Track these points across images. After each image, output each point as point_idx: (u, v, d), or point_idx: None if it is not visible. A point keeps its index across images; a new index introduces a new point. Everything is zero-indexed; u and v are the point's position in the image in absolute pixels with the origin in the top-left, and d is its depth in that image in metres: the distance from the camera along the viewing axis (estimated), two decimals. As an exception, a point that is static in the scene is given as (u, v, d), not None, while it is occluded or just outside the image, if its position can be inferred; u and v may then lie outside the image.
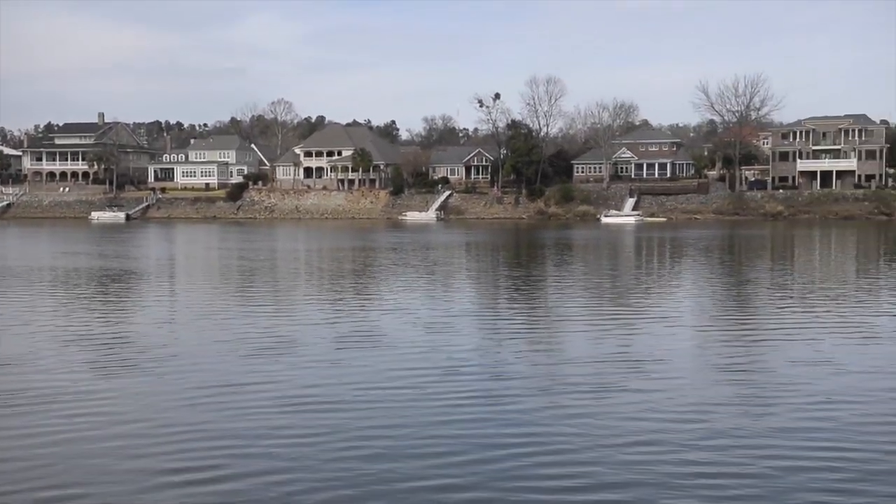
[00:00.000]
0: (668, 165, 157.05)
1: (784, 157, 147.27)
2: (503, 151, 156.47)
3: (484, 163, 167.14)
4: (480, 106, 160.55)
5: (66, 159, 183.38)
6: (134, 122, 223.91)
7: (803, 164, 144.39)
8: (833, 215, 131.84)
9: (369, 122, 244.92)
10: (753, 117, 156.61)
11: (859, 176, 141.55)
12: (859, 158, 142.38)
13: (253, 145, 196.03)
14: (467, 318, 37.63)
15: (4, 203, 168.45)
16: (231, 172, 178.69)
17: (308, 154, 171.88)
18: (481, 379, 25.54)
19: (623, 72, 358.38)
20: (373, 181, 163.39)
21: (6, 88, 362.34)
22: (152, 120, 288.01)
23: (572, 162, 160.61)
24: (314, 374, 26.12)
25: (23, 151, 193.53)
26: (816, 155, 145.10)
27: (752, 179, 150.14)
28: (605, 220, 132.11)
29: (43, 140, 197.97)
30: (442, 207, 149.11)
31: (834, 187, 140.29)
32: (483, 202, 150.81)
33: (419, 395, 23.67)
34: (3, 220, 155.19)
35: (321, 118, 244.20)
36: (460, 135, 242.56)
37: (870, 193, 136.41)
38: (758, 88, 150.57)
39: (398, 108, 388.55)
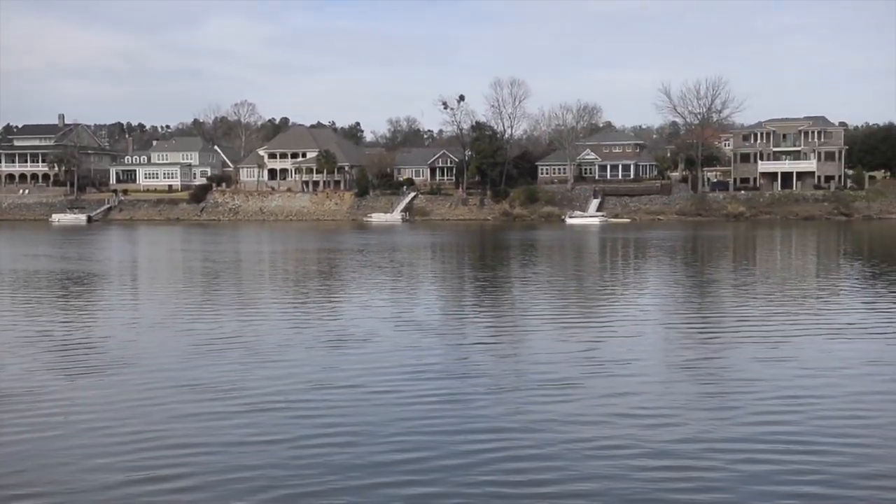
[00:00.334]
0: (632, 167, 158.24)
1: (745, 158, 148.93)
2: (468, 153, 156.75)
3: (449, 164, 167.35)
4: (445, 108, 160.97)
5: (26, 161, 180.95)
6: (95, 124, 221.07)
7: (764, 166, 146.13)
8: (794, 216, 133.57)
9: (334, 123, 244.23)
10: (715, 119, 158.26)
11: (819, 177, 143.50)
12: (819, 160, 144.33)
13: (216, 147, 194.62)
14: (433, 320, 37.65)
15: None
16: (194, 174, 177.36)
17: (272, 156, 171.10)
18: (446, 379, 25.57)
19: (586, 74, 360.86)
20: (337, 183, 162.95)
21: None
22: (114, 122, 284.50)
23: (537, 163, 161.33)
24: (278, 375, 26.00)
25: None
26: (777, 156, 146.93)
27: (715, 181, 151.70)
28: (569, 221, 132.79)
29: (1, 142, 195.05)
30: (407, 209, 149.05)
31: (794, 188, 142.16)
32: (448, 203, 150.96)
33: (383, 395, 23.66)
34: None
35: (285, 120, 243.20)
36: (425, 136, 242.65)
37: (829, 194, 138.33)
38: (719, 91, 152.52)
39: (363, 109, 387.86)
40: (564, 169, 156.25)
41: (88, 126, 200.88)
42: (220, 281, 55.07)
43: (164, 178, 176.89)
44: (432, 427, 20.56)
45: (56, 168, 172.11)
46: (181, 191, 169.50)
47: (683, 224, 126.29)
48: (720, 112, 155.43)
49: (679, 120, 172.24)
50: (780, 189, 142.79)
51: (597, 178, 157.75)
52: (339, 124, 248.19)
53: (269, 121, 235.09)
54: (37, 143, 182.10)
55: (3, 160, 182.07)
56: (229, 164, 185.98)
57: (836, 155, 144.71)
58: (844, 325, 35.22)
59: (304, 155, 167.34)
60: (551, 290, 48.52)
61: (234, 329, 34.52)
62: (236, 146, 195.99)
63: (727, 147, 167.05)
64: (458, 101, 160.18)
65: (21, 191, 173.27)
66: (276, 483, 16.94)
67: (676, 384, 24.89)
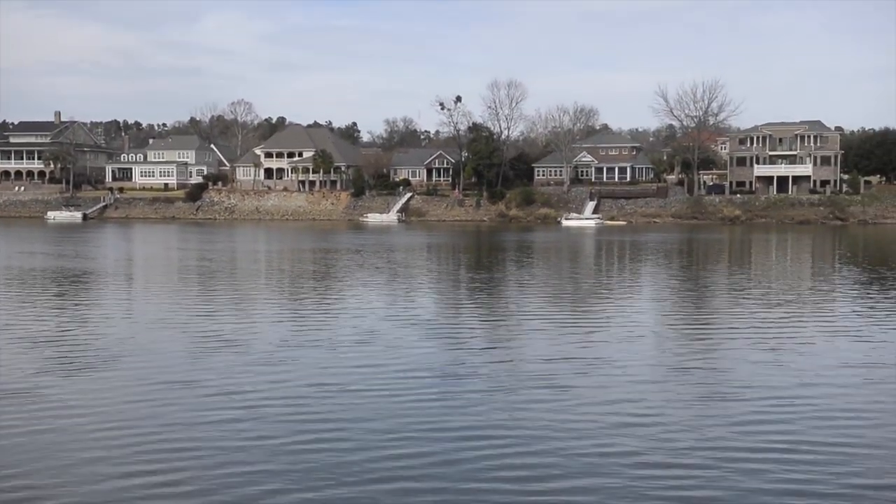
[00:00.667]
0: (628, 169, 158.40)
1: (741, 161, 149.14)
2: (464, 154, 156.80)
3: (445, 165, 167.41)
4: (442, 108, 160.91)
5: (22, 158, 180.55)
6: (91, 122, 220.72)
7: (760, 170, 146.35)
8: (789, 220, 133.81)
9: (330, 123, 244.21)
10: (711, 122, 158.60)
11: (814, 181, 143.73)
12: (814, 164, 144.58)
13: (213, 145, 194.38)
14: (428, 321, 37.71)
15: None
16: (190, 173, 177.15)
17: (269, 155, 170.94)
18: (441, 379, 25.65)
19: (583, 76, 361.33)
20: (334, 182, 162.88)
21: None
22: (110, 119, 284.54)
23: (533, 165, 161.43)
24: (273, 374, 26.08)
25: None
26: (773, 160, 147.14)
27: (711, 184, 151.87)
28: (565, 223, 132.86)
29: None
30: (403, 209, 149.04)
31: (790, 192, 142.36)
32: (444, 204, 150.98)
33: (378, 393, 23.77)
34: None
35: (282, 119, 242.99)
36: (422, 137, 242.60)
37: (825, 199, 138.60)
38: (716, 94, 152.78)
39: (360, 109, 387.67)
40: (561, 171, 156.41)
41: (85, 123, 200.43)
42: (216, 280, 55.07)
43: (160, 176, 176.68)
44: (427, 427, 20.62)
45: (52, 165, 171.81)
46: (177, 189, 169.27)
47: (679, 227, 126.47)
48: (717, 115, 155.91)
49: (675, 123, 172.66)
50: (775, 193, 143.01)
51: (593, 180, 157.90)
52: (335, 124, 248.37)
53: (266, 120, 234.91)
54: (33, 140, 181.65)
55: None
56: (225, 162, 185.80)
57: (832, 159, 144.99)
58: (839, 329, 35.35)
59: (300, 154, 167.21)
60: (546, 293, 48.60)
61: (229, 328, 34.55)
62: (233, 145, 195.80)
63: (723, 150, 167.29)
64: (455, 102, 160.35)
65: (16, 188, 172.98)
66: (271, 480, 16.99)
67: (670, 386, 24.98)
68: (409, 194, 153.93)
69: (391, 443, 19.34)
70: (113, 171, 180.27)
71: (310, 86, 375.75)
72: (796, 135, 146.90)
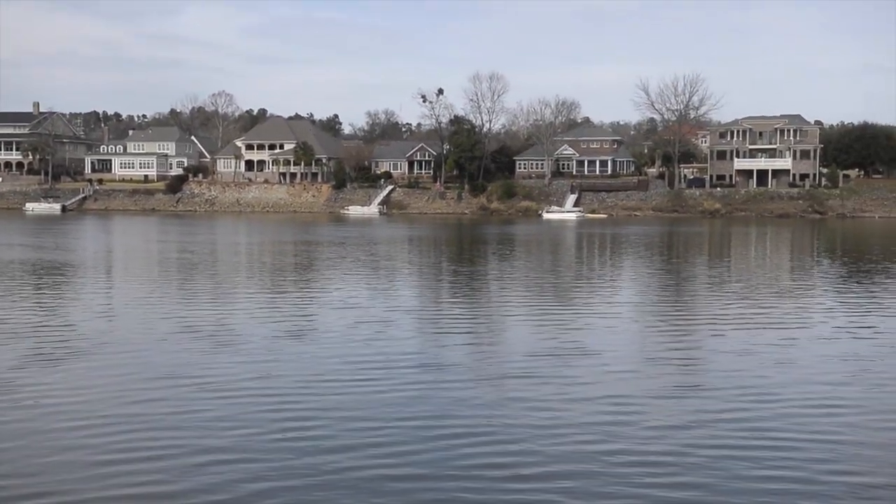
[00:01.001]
0: (609, 162, 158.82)
1: (722, 155, 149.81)
2: (446, 147, 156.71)
3: (427, 158, 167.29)
4: (423, 101, 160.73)
5: (0, 149, 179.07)
6: (70, 112, 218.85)
7: (740, 163, 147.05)
8: (769, 213, 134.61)
9: (312, 115, 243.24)
10: (692, 116, 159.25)
11: (794, 175, 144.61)
12: (794, 158, 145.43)
13: (193, 137, 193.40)
14: (410, 312, 37.76)
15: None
16: (171, 164, 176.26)
17: (249, 147, 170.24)
18: (422, 370, 25.73)
19: (565, 70, 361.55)
20: (315, 175, 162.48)
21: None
22: (90, 110, 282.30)
23: (514, 158, 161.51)
24: (254, 365, 26.06)
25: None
26: (753, 154, 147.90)
27: (691, 177, 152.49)
28: (546, 216, 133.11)
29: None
30: (384, 202, 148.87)
31: (770, 186, 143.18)
32: (426, 197, 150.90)
33: (359, 385, 23.80)
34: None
35: (263, 111, 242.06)
36: (403, 130, 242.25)
37: (804, 192, 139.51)
38: (696, 88, 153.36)
39: (341, 102, 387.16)
40: (542, 164, 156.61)
41: (64, 114, 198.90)
42: (197, 273, 54.86)
43: (140, 167, 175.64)
44: (408, 419, 20.67)
45: (30, 156, 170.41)
46: (157, 181, 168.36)
47: (660, 220, 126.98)
48: (697, 109, 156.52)
49: (657, 116, 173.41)
50: (755, 186, 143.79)
51: (574, 173, 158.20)
52: (317, 116, 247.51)
53: (247, 112, 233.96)
54: (11, 130, 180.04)
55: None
56: (206, 154, 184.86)
57: (812, 153, 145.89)
58: (816, 321, 35.67)
59: (281, 146, 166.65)
60: (528, 285, 48.74)
61: (210, 321, 34.47)
62: (213, 137, 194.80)
63: (704, 144, 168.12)
64: (437, 95, 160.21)
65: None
66: (251, 472, 17.00)
67: (650, 377, 25.15)
68: (390, 187, 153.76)
69: (372, 434, 19.38)
70: (92, 163, 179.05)
71: (291, 78, 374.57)
72: (776, 129, 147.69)
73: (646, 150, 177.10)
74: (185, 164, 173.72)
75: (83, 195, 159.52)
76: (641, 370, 26.04)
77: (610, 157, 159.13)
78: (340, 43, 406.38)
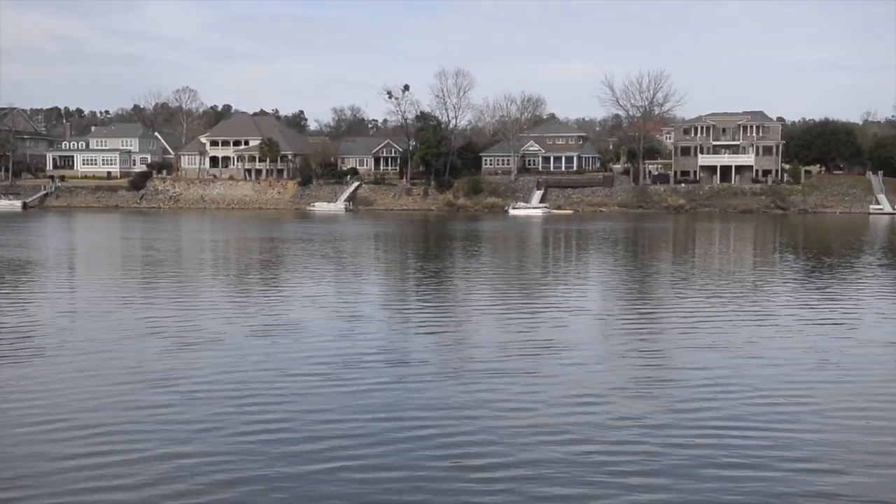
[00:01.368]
0: (575, 159, 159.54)
1: (686, 151, 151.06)
2: (412, 143, 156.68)
3: (393, 154, 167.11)
4: (390, 97, 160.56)
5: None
6: (31, 108, 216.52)
7: (704, 159, 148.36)
8: (732, 209, 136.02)
9: (277, 111, 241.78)
10: (657, 113, 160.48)
11: (757, 171, 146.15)
12: (757, 154, 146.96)
13: (157, 133, 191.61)
14: (377, 309, 37.79)
15: None
16: (134, 161, 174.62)
17: (214, 143, 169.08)
18: (389, 365, 25.79)
19: (531, 66, 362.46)
20: (280, 171, 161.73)
21: None
22: (51, 106, 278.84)
23: (481, 154, 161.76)
24: (220, 362, 25.97)
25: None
26: (716, 150, 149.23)
27: (656, 173, 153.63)
28: (512, 212, 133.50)
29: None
30: (351, 198, 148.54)
31: (733, 182, 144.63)
32: (392, 193, 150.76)
33: (327, 381, 23.81)
34: None
35: (227, 107, 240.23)
36: (369, 126, 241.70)
37: (766, 188, 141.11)
38: (661, 84, 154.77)
39: (307, 98, 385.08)
40: (508, 160, 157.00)
41: (24, 110, 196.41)
42: (162, 269, 54.43)
43: (103, 164, 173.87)
44: (373, 413, 20.72)
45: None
46: (120, 178, 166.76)
47: (625, 216, 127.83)
48: (662, 105, 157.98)
49: (622, 113, 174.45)
50: (719, 182, 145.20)
51: (540, 169, 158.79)
52: (282, 112, 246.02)
53: (211, 108, 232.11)
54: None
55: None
56: (170, 151, 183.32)
57: (774, 149, 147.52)
58: (780, 314, 36.15)
59: (246, 143, 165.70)
60: (494, 280, 48.91)
61: (174, 317, 34.27)
62: (177, 133, 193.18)
63: (668, 140, 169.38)
64: (403, 91, 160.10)
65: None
66: (213, 466, 16.97)
67: (614, 370, 25.37)
68: (356, 183, 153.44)
69: (336, 428, 19.42)
70: (54, 159, 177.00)
71: (256, 74, 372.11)
72: (739, 125, 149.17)
73: (611, 147, 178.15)
74: (149, 161, 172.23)
75: (45, 192, 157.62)
76: (606, 364, 26.26)
77: (575, 154, 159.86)
78: (306, 39, 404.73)
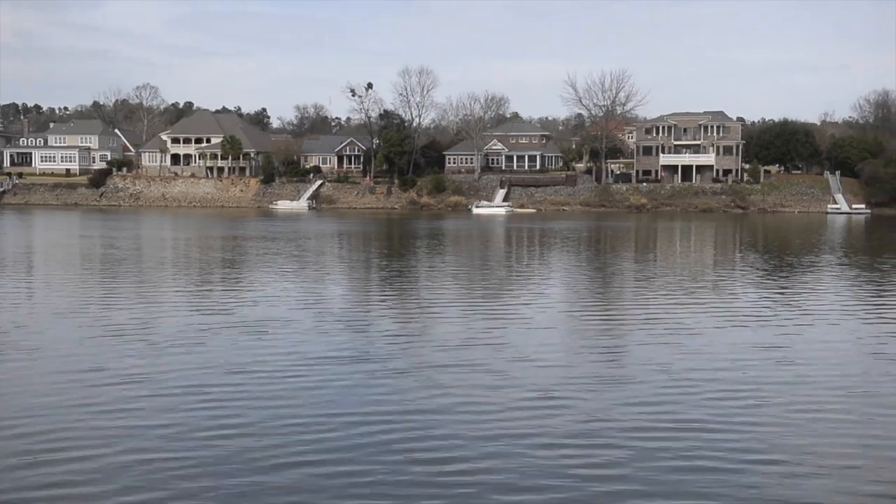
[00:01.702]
0: (538, 157, 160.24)
1: (648, 151, 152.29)
2: (376, 141, 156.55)
3: (356, 152, 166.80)
4: (353, 95, 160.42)
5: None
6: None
7: (666, 159, 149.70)
8: (693, 208, 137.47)
9: (239, 109, 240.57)
10: (619, 112, 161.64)
11: (717, 170, 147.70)
12: (717, 154, 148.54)
13: (117, 130, 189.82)
14: (340, 307, 37.73)
15: None
16: (94, 158, 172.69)
17: (175, 140, 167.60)
18: (352, 363, 25.80)
19: (494, 65, 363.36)
20: (243, 169, 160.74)
21: None
22: (8, 102, 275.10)
23: (444, 153, 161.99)
24: (182, 362, 25.84)
25: None
26: (678, 150, 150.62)
27: (618, 172, 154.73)
28: (476, 210, 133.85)
29: None
30: (314, 196, 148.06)
31: (694, 181, 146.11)
32: (355, 192, 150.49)
33: (288, 378, 23.81)
34: None
35: (189, 104, 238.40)
36: (333, 124, 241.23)
37: (727, 187, 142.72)
38: (623, 84, 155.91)
39: (269, 95, 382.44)
40: (472, 159, 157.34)
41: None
42: (123, 268, 53.90)
43: (62, 161, 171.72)
44: (337, 412, 20.74)
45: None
46: (80, 175, 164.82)
47: (587, 215, 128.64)
48: (624, 105, 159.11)
49: (584, 112, 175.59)
50: (680, 181, 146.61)
51: (503, 168, 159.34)
52: (245, 110, 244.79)
53: (173, 105, 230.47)
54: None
55: None
56: (130, 148, 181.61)
57: (734, 149, 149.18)
58: (738, 312, 36.62)
59: (208, 140, 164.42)
60: (458, 279, 49.04)
61: (136, 316, 33.99)
62: (138, 130, 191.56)
63: (630, 140, 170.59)
64: (366, 89, 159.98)
65: None
66: (178, 466, 16.89)
67: (577, 368, 25.60)
68: (319, 181, 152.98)
69: (300, 428, 19.41)
70: (11, 156, 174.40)
71: (219, 71, 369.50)
72: (700, 125, 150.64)
73: (574, 146, 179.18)
74: (109, 158, 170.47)
75: (1, 189, 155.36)
76: (567, 362, 26.47)
77: (538, 153, 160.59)
78: (268, 36, 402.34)
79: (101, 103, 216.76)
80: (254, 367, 25.26)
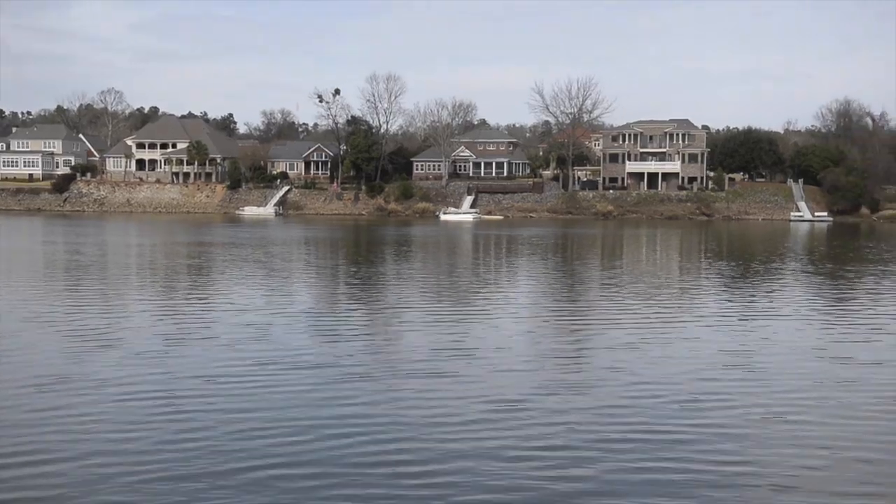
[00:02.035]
0: (505, 164, 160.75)
1: (614, 158, 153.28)
2: (343, 147, 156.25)
3: (324, 158, 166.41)
4: (320, 101, 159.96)
5: None
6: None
7: (631, 166, 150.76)
8: (659, 215, 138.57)
9: (206, 114, 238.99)
10: (586, 119, 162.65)
11: (683, 178, 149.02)
12: (683, 161, 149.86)
13: (81, 135, 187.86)
14: (306, 313, 37.63)
15: None
16: (57, 163, 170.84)
17: (141, 146, 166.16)
18: (316, 369, 25.79)
19: (462, 72, 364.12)
20: (209, 175, 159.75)
21: None
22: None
23: (412, 159, 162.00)
24: (147, 366, 25.72)
25: None
26: (644, 157, 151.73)
27: (585, 180, 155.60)
28: (443, 217, 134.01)
29: None
30: (281, 202, 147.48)
31: (659, 189, 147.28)
32: (322, 198, 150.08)
33: (253, 384, 23.76)
34: None
35: (155, 109, 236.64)
36: (300, 130, 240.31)
37: (692, 195, 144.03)
38: (590, 91, 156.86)
39: (236, 101, 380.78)
40: (439, 165, 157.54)
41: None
42: (87, 275, 53.36)
43: (25, 166, 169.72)
44: (303, 417, 20.74)
45: None
46: (43, 180, 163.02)
47: (554, 222, 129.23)
48: (591, 112, 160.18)
49: (551, 119, 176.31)
50: (646, 189, 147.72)
51: (471, 175, 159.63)
52: (211, 115, 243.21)
53: (138, 110, 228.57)
54: None
55: None
56: (95, 153, 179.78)
57: (699, 157, 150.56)
58: (702, 319, 37.01)
59: (174, 146, 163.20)
60: (424, 285, 49.09)
61: (101, 323, 33.72)
62: (102, 135, 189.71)
63: (597, 147, 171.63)
64: (334, 95, 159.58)
65: None
66: (143, 472, 16.80)
67: (545, 371, 25.82)
68: (286, 187, 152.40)
69: (262, 433, 19.38)
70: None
71: (185, 76, 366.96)
72: (666, 133, 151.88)
73: (541, 153, 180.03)
74: (73, 163, 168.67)
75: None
76: (532, 367, 26.63)
77: (506, 159, 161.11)
78: (236, 41, 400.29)
79: (65, 108, 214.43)
80: (218, 372, 25.14)
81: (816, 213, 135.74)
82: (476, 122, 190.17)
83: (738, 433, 19.95)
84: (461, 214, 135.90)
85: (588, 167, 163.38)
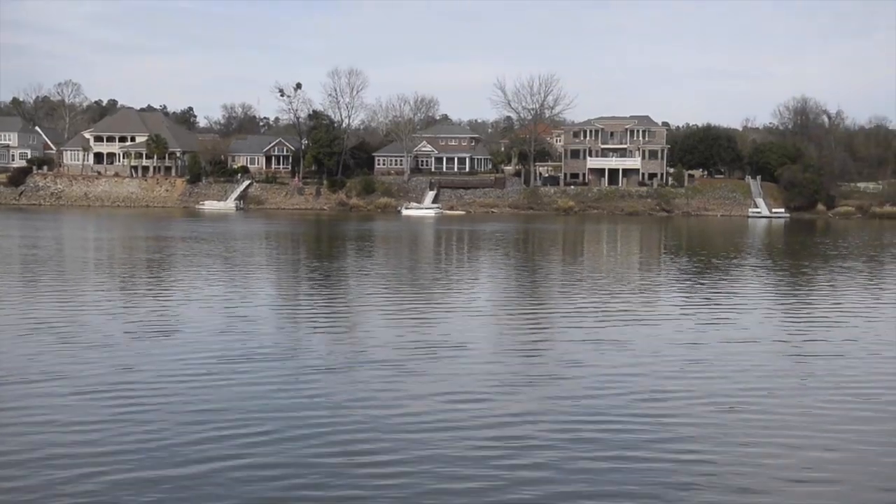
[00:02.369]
0: (467, 160, 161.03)
1: (575, 154, 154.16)
2: (304, 142, 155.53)
3: (285, 153, 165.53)
4: (282, 95, 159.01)
5: None
6: None
7: (593, 162, 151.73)
8: (619, 211, 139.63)
9: (165, 107, 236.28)
10: (547, 115, 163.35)
11: (643, 174, 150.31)
12: (643, 158, 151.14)
13: (38, 128, 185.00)
14: (268, 307, 37.48)
15: None
16: (13, 156, 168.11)
17: (99, 139, 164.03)
18: (279, 362, 25.73)
19: (424, 67, 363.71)
20: (168, 169, 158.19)
21: None
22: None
23: (374, 154, 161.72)
24: (106, 362, 25.44)
25: None
26: (605, 153, 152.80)
27: (546, 175, 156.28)
28: (405, 212, 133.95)
29: None
30: (241, 197, 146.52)
31: (620, 184, 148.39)
32: (284, 192, 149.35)
33: (216, 379, 23.59)
34: None
35: (113, 102, 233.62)
36: (261, 124, 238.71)
37: (652, 191, 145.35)
38: (551, 88, 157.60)
39: (196, 94, 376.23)
40: (401, 160, 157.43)
41: None
42: (44, 269, 52.62)
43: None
44: (264, 410, 20.65)
45: None
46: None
47: (516, 217, 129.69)
48: (552, 108, 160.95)
49: (513, 115, 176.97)
50: (607, 185, 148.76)
51: (433, 170, 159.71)
52: (171, 108, 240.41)
53: (96, 102, 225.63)
54: None
55: None
56: (52, 146, 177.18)
57: (659, 153, 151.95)
58: (661, 312, 37.39)
59: (132, 139, 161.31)
60: (386, 280, 49.05)
61: (61, 317, 33.30)
62: (59, 128, 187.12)
63: (558, 143, 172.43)
64: (295, 89, 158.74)
65: None
66: (102, 468, 16.64)
67: (505, 366, 25.93)
68: (247, 182, 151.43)
69: (224, 426, 19.27)
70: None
71: (144, 69, 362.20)
72: (626, 129, 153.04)
73: (503, 148, 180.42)
74: (29, 156, 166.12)
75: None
76: (493, 362, 26.72)
77: (468, 155, 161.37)
78: (196, 34, 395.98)
79: (21, 100, 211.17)
80: (177, 367, 24.93)
81: (774, 210, 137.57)
82: (438, 118, 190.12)
83: (697, 427, 20.15)
84: (423, 210, 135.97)
85: (549, 163, 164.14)
